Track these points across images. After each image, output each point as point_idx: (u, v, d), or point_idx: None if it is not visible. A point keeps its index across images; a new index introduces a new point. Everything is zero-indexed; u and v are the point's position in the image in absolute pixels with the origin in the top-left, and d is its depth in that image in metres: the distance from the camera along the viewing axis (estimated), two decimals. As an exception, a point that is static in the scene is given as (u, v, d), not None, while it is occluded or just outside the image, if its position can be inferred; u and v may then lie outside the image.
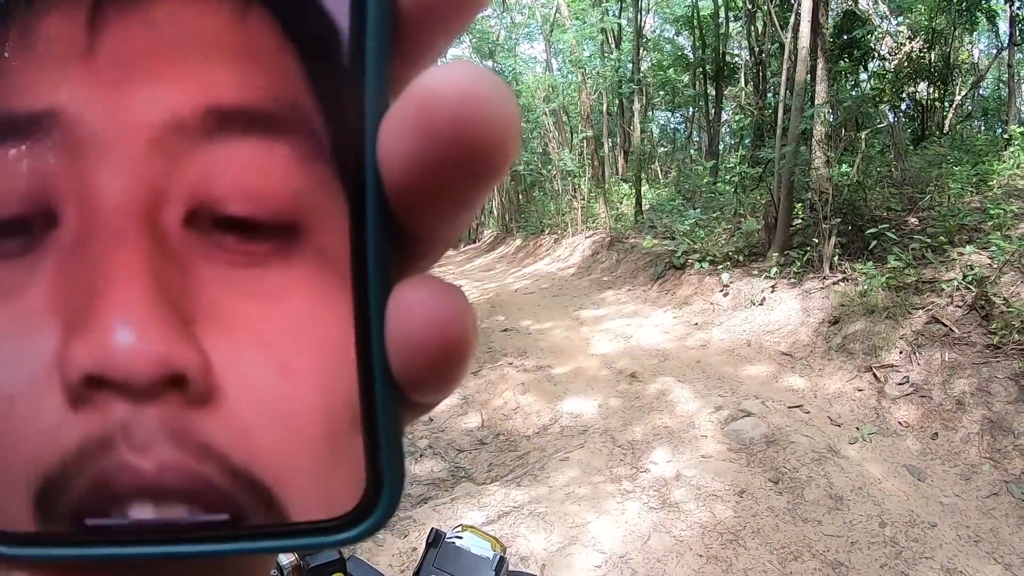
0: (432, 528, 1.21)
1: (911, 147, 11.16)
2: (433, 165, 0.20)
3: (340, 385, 0.22)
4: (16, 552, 0.22)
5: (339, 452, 0.22)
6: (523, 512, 4.54)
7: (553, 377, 7.02)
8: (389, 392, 0.22)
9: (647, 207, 15.33)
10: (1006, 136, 10.20)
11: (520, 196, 25.97)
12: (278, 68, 0.22)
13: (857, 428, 5.41)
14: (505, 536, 4.15)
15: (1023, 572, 3.95)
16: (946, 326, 6.04)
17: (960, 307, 6.20)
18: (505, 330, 9.07)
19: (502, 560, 1.18)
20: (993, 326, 5.78)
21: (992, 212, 7.44)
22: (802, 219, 8.70)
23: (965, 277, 6.36)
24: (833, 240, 7.85)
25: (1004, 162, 9.54)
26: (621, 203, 16.65)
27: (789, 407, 5.76)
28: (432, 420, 6.22)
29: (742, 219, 10.24)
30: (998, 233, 6.78)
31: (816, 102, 8.83)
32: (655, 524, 4.40)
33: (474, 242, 31.20)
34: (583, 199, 17.19)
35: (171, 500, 0.22)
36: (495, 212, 31.41)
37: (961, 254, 6.81)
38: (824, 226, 7.87)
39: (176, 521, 0.22)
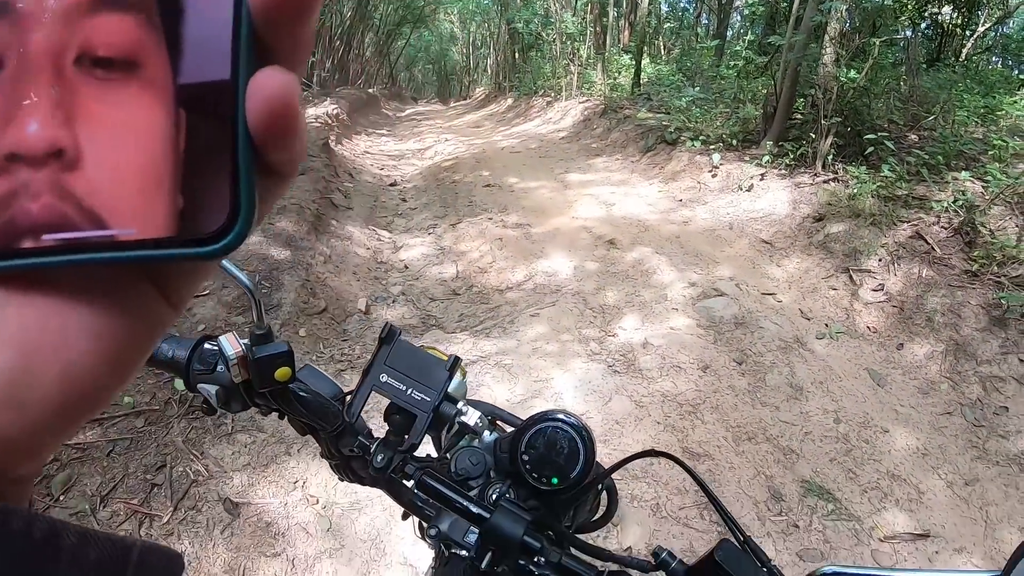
0: (386, 322, 1.12)
1: (924, 66, 10.92)
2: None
3: (194, 141, 0.29)
4: None
5: (192, 189, 0.29)
6: (489, 362, 4.50)
7: (532, 236, 6.89)
8: (247, 144, 0.28)
9: (645, 81, 14.98)
10: (1023, 76, 10.02)
11: (516, 55, 25.37)
12: None
13: (826, 325, 5.39)
14: (470, 384, 4.12)
15: (962, 491, 4.00)
16: (929, 244, 5.99)
17: (945, 229, 6.15)
18: (488, 186, 8.88)
19: (457, 360, 1.14)
20: (975, 253, 5.74)
21: (994, 143, 7.34)
22: (801, 114, 8.48)
23: (956, 201, 6.29)
24: (830, 139, 7.70)
25: (1016, 101, 9.42)
26: (619, 74, 16.28)
27: (762, 293, 5.72)
28: (407, 268, 6.12)
29: (741, 104, 10.01)
30: (996, 165, 6.70)
31: (835, -3, 8.51)
32: (617, 387, 4.37)
33: (465, 99, 30.56)
34: (581, 64, 16.76)
35: (56, 229, 0.30)
36: (489, 70, 30.69)
37: (956, 178, 6.73)
38: (823, 123, 7.69)
39: (61, 240, 0.29)
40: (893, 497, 3.86)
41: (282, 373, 1.03)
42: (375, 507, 3.33)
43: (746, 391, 4.46)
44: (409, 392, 1.08)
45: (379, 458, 1.09)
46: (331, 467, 1.25)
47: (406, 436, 1.10)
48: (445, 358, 1.15)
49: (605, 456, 3.74)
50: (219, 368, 1.11)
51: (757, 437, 4.11)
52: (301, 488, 3.36)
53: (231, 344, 1.04)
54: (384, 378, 1.09)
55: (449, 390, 1.14)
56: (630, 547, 3.30)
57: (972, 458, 4.29)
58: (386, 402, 1.12)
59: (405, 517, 1.26)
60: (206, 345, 1.16)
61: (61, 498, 3.98)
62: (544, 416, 1.10)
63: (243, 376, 1.05)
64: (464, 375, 1.23)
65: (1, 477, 0.31)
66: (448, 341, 4.73)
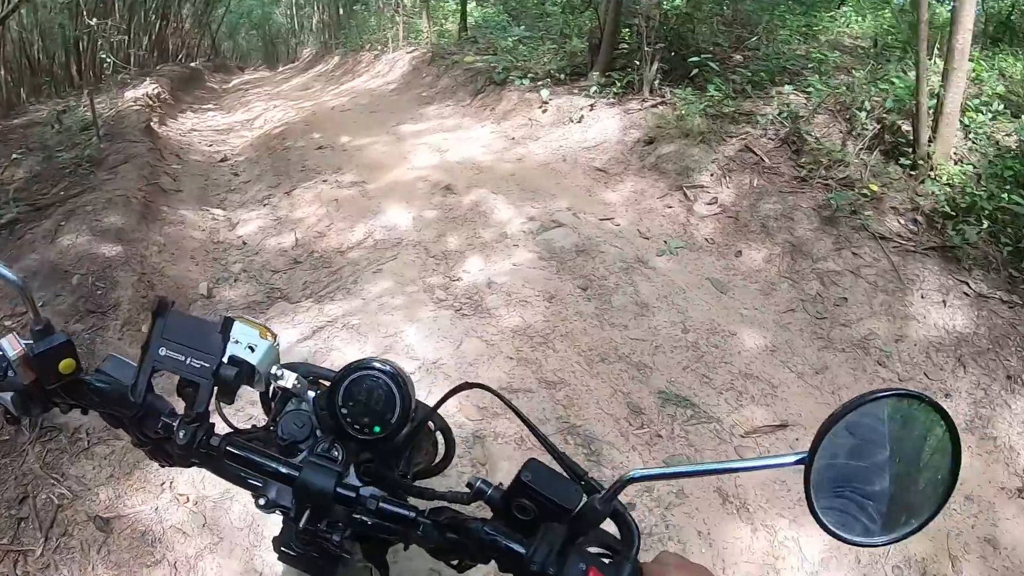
0: (156, 296, 1.07)
1: (745, -11, 11.18)
2: None
3: None
4: None
5: None
6: (337, 325, 4.35)
7: (368, 192, 6.68)
8: None
9: (472, 24, 14.84)
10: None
11: (340, 12, 24.79)
12: None
13: (665, 242, 5.42)
14: (320, 350, 4.02)
15: (813, 380, 4.12)
16: (758, 155, 6.11)
17: (773, 140, 6.30)
18: (320, 148, 8.57)
19: (228, 320, 1.11)
20: (802, 160, 5.92)
21: (815, 57, 7.63)
22: (627, 43, 8.53)
23: (781, 113, 6.48)
24: (655, 65, 7.77)
25: (835, 18, 9.77)
26: (446, 20, 16.10)
27: (600, 219, 5.70)
28: (246, 244, 5.85)
29: (567, 39, 10.05)
30: (817, 77, 6.94)
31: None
32: (467, 330, 4.27)
33: (293, 61, 29.70)
34: (406, 14, 16.48)
35: None
36: (315, 29, 29.94)
37: (780, 92, 6.94)
38: (648, 50, 7.74)
39: None
40: (748, 394, 3.94)
41: (66, 365, 1.01)
42: (245, 493, 3.12)
43: (594, 315, 4.42)
44: (188, 362, 1.06)
45: (181, 435, 1.04)
46: (148, 455, 1.17)
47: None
48: (257, 339, 1.13)
49: (464, 400, 3.65)
50: (9, 374, 1.04)
51: (610, 357, 4.09)
52: (169, 489, 3.16)
53: (11, 346, 1.01)
54: (163, 352, 1.06)
55: (255, 356, 1.12)
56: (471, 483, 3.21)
57: (819, 348, 4.40)
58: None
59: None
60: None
61: None
62: (356, 366, 1.09)
63: (30, 376, 1.01)
64: (274, 339, 1.18)
65: None
66: (294, 311, 4.53)
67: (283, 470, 1.01)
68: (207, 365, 1.06)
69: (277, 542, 1.11)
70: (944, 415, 0.83)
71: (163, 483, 3.14)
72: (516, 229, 5.42)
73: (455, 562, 1.03)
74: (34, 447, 3.22)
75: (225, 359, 1.09)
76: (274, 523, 2.94)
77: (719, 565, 3.03)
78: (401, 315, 4.45)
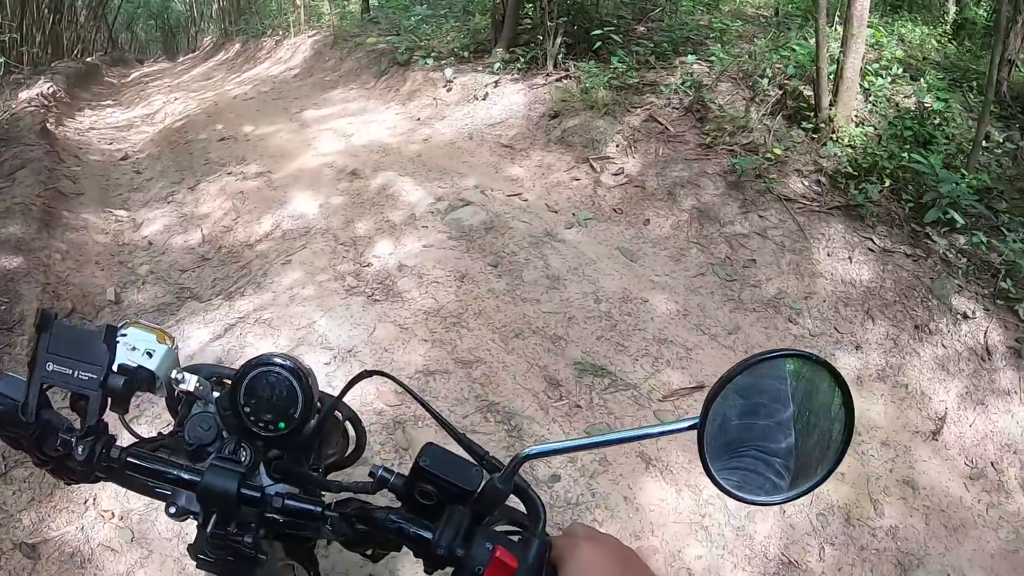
0: (39, 309, 1.02)
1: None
2: None
3: None
4: None
5: None
6: (249, 321, 4.23)
7: (273, 182, 6.53)
8: None
9: (375, 5, 14.65)
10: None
11: (240, -2, 24.26)
12: None
13: (573, 214, 5.43)
14: (234, 348, 3.90)
15: (727, 341, 4.18)
16: (662, 125, 6.16)
17: (677, 109, 6.36)
18: (223, 139, 8.35)
19: (111, 329, 1.06)
20: (707, 128, 5.99)
21: (717, 27, 7.73)
22: (530, 19, 8.52)
23: (685, 82, 6.54)
24: (559, 40, 7.77)
25: (738, -12, 9.94)
26: (348, 2, 15.87)
27: (508, 195, 5.68)
28: (152, 244, 5.64)
29: (470, 17, 10.00)
30: (719, 46, 7.03)
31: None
32: (380, 315, 4.21)
33: (193, 51, 28.90)
34: (306, -3, 16.23)
35: None
36: (215, 17, 29.21)
37: (684, 62, 6.99)
38: (551, 24, 7.74)
39: None
40: (664, 359, 3.98)
41: None
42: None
43: (505, 291, 4.41)
44: (76, 375, 1.01)
45: (80, 450, 1.00)
46: (51, 473, 1.12)
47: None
48: (155, 345, 1.10)
49: (381, 387, 3.60)
50: None
51: (524, 332, 4.08)
52: (93, 506, 3.04)
53: None
54: (50, 367, 1.01)
55: (154, 361, 1.09)
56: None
57: (730, 310, 4.47)
58: None
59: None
60: None
61: None
62: (254, 363, 1.05)
63: None
64: (172, 342, 1.14)
65: None
66: (204, 310, 4.39)
67: (185, 476, 0.99)
68: (94, 376, 1.01)
69: (193, 549, 1.08)
70: (831, 370, 0.85)
71: (86, 500, 3.05)
72: (424, 210, 5.35)
73: (368, 552, 1.03)
74: (-52, 477, 3.10)
75: (115, 368, 1.04)
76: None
77: (647, 528, 3.07)
78: (313, 305, 4.37)
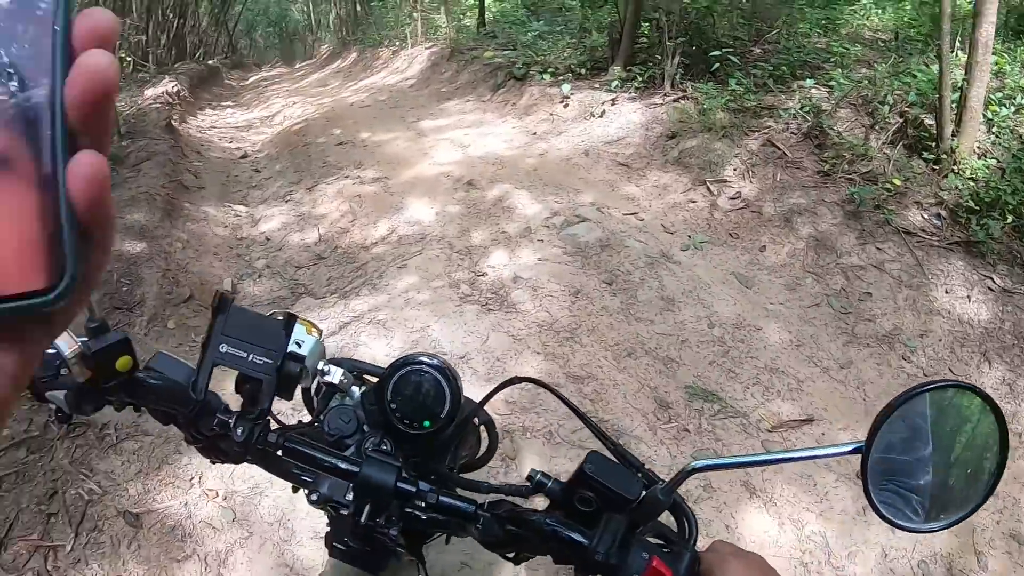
0: (217, 292, 1.07)
1: (763, -18, 11.15)
2: (87, 102, 0.34)
3: (28, 215, 0.33)
4: None
5: (30, 254, 0.33)
6: (363, 320, 4.37)
7: (390, 188, 6.71)
8: (71, 215, 0.33)
9: (490, 20, 14.82)
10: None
11: (358, 8, 24.79)
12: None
13: (689, 236, 5.43)
14: (347, 345, 4.03)
15: (839, 375, 4.12)
16: (780, 149, 6.11)
17: (795, 134, 6.29)
18: (340, 143, 8.61)
19: (291, 317, 1.11)
20: (825, 155, 5.91)
21: (836, 51, 7.59)
22: (647, 38, 8.54)
23: (803, 107, 6.45)
24: (676, 59, 7.77)
25: (855, 11, 9.72)
26: (464, 15, 16.07)
27: (624, 214, 5.70)
28: (269, 240, 5.89)
29: (587, 34, 10.02)
30: (839, 71, 6.92)
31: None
32: (493, 324, 4.29)
33: (310, 58, 29.73)
34: (424, 10, 16.47)
35: None
36: (332, 26, 29.96)
37: (801, 86, 6.90)
38: (669, 44, 7.75)
39: None
40: (774, 389, 3.94)
41: (123, 363, 1.00)
42: (275, 488, 3.19)
43: (619, 310, 4.44)
44: (250, 358, 1.05)
45: (239, 431, 1.04)
46: (200, 451, 1.18)
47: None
48: (304, 325, 1.15)
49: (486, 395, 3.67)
50: (62, 371, 1.02)
51: (636, 352, 4.10)
52: (198, 484, 3.19)
53: (67, 343, 0.98)
54: (224, 349, 1.05)
55: (303, 351, 1.12)
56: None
57: (843, 343, 4.41)
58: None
59: (295, 490, 1.23)
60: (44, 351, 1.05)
61: None
62: (404, 361, 1.09)
63: (86, 374, 0.99)
64: (320, 335, 1.19)
65: None
66: (319, 307, 4.56)
67: (343, 465, 1.02)
68: (270, 362, 1.05)
69: (329, 538, 1.13)
70: (993, 406, 0.85)
71: (192, 478, 3.18)
72: (540, 224, 5.43)
73: (511, 554, 1.04)
74: (63, 443, 3.26)
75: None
76: (304, 518, 2.99)
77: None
78: (427, 310, 4.48)
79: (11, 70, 0.35)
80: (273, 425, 1.11)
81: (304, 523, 3.09)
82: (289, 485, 1.12)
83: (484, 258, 5.09)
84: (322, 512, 1.20)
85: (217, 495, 3.12)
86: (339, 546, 1.12)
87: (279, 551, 2.98)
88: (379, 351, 4.03)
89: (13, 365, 0.37)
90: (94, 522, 2.97)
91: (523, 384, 1.18)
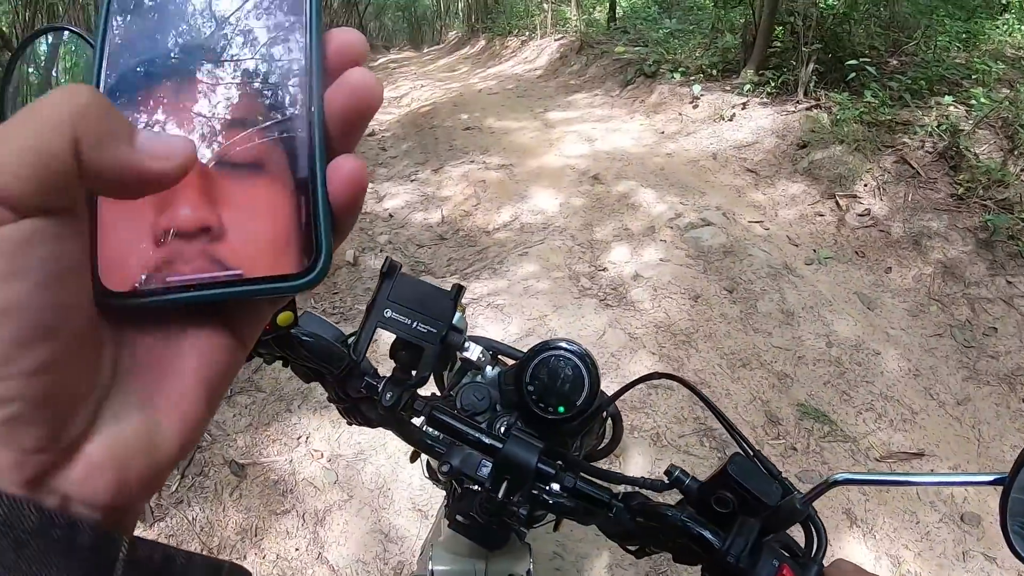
0: (387, 256, 1.07)
1: (903, -9, 10.80)
2: (351, 117, 0.40)
3: (291, 211, 0.39)
4: (136, 301, 0.38)
5: (292, 244, 0.39)
6: (481, 304, 4.49)
7: (515, 175, 6.81)
8: (327, 209, 0.39)
9: (621, 15, 14.76)
10: (1004, 1, 9.91)
11: (488, -4, 24.94)
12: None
13: (814, 250, 5.36)
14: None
15: (955, 411, 4.02)
16: (914, 168, 5.96)
17: (930, 153, 6.12)
18: (468, 128, 8.77)
19: (460, 288, 1.09)
20: (960, 177, 5.73)
21: (978, 67, 7.31)
22: (781, 42, 8.38)
23: (940, 125, 6.26)
24: (811, 66, 7.61)
25: (997, 26, 9.36)
26: (595, 9, 16.04)
27: (749, 221, 5.68)
28: (392, 216, 6.05)
29: (720, 34, 9.89)
30: (980, 89, 6.67)
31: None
32: (611, 320, 4.36)
33: (438, 43, 30.05)
34: (553, 1, 16.50)
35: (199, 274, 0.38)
36: (461, 13, 30.18)
37: (939, 103, 6.68)
38: (804, 50, 7.60)
39: (202, 279, 0.38)
40: (887, 417, 3.88)
41: (284, 318, 1.03)
42: (379, 456, 3.33)
43: (738, 318, 4.45)
44: (415, 325, 1.04)
45: (388, 396, 1.06)
46: (340, 411, 1.23)
47: (413, 372, 1.07)
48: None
49: (604, 388, 3.74)
50: None
51: (751, 363, 4.11)
52: (305, 443, 3.35)
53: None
54: (388, 313, 1.04)
55: (453, 322, 1.11)
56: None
57: (963, 378, 4.31)
58: (385, 342, 1.09)
59: (414, 459, 1.29)
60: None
61: None
62: (547, 345, 1.11)
63: None
64: (463, 311, 1.22)
65: (126, 512, 0.37)
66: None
67: (486, 440, 1.03)
68: (434, 330, 1.03)
69: (452, 510, 1.16)
70: None
71: (300, 437, 3.35)
72: (664, 224, 5.46)
73: (633, 547, 1.04)
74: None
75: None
76: (405, 489, 3.12)
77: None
78: (545, 300, 4.57)
79: (265, 77, 0.41)
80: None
81: (404, 493, 3.22)
82: (394, 455, 1.18)
83: (606, 253, 5.15)
84: (432, 485, 1.27)
85: (322, 456, 3.27)
86: (462, 519, 1.15)
87: (376, 517, 3.11)
88: (496, 334, 4.12)
89: (235, 347, 0.42)
90: (200, 467, 3.16)
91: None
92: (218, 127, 0.40)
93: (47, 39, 1.02)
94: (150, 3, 0.42)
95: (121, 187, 0.34)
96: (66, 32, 0.98)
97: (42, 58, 1.03)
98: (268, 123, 0.41)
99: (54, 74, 1.03)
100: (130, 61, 0.41)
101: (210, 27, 0.42)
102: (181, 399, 0.39)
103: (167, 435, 0.38)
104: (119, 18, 0.42)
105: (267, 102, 0.41)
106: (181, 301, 0.39)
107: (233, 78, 0.42)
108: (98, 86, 0.41)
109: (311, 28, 0.42)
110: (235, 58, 0.42)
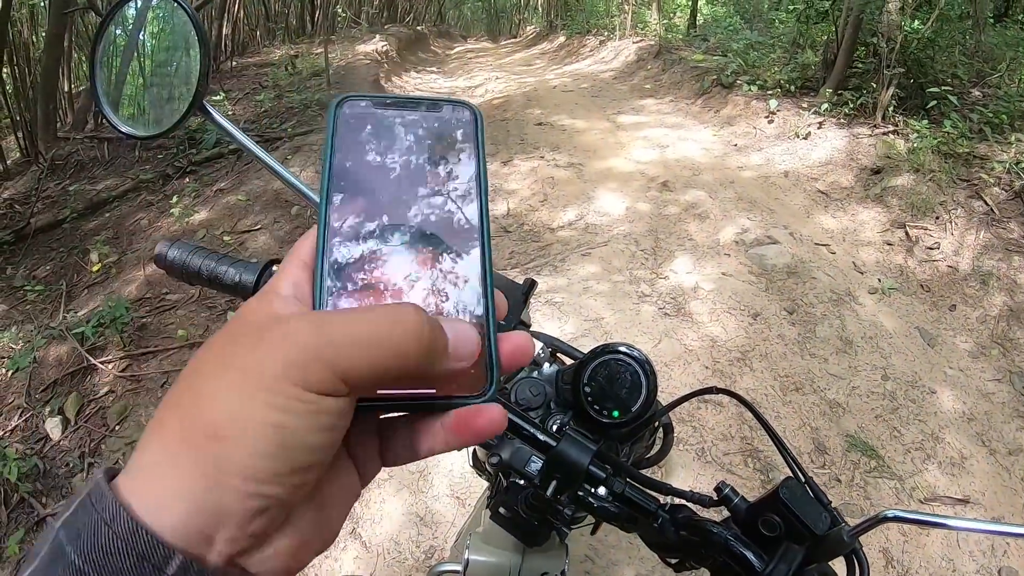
0: None
1: (991, 21, 10.56)
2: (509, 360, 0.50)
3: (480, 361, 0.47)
4: (370, 404, 0.45)
5: (480, 373, 0.48)
6: (540, 299, 4.53)
7: (584, 175, 6.83)
8: (498, 359, 0.48)
9: (701, 23, 14.67)
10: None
11: (568, -7, 24.92)
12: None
13: (879, 280, 5.30)
14: None
15: (1005, 460, 3.94)
16: (988, 205, 5.86)
17: (1007, 191, 6.00)
18: (540, 124, 8.81)
19: (533, 283, 1.14)
20: (1034, 218, 5.64)
21: (1063, 104, 7.15)
22: (862, 63, 8.23)
23: (1019, 163, 6.13)
24: (892, 90, 7.48)
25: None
26: (675, 14, 15.95)
27: (816, 244, 5.63)
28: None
29: (800, 50, 9.77)
30: (1064, 130, 6.53)
31: (904, -57, 8.17)
32: (667, 330, 4.37)
33: (515, 37, 30.14)
34: (635, 3, 16.43)
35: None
36: (540, 8, 30.21)
37: (1020, 140, 6.54)
38: (885, 73, 7.48)
39: (412, 394, 0.46)
40: (936, 459, 3.83)
41: None
42: None
43: (795, 341, 4.43)
44: None
45: None
46: None
47: None
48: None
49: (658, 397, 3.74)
50: None
51: (804, 388, 4.09)
52: None
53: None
54: None
55: (522, 317, 1.14)
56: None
57: (1017, 428, 4.23)
58: None
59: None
60: (273, 268, 1.17)
61: (117, 428, 4.08)
62: (607, 348, 1.09)
63: None
64: (527, 305, 1.22)
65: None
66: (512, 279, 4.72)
67: (541, 437, 1.02)
68: (504, 323, 1.07)
69: (495, 502, 1.16)
70: None
71: None
72: (729, 238, 5.44)
73: (674, 561, 1.04)
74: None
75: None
76: (446, 475, 3.16)
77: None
78: (603, 302, 4.59)
79: (452, 252, 0.50)
80: None
81: (444, 480, 3.28)
82: None
83: (668, 261, 5.15)
84: (474, 474, 1.26)
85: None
86: (504, 512, 1.15)
87: (414, 499, 3.17)
88: (550, 331, 4.14)
89: (359, 483, 0.51)
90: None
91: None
92: (418, 298, 0.48)
93: (136, 3, 1.07)
94: (363, 175, 0.51)
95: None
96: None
97: (130, 22, 1.08)
98: (453, 291, 0.49)
99: (141, 37, 1.09)
100: (347, 228, 0.49)
101: (410, 212, 0.50)
102: (335, 518, 0.48)
103: (324, 538, 0.47)
104: (339, 179, 0.50)
105: (456, 283, 0.50)
106: (400, 407, 0.48)
107: (430, 254, 0.50)
108: (321, 249, 0.48)
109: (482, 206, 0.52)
110: (433, 235, 0.50)
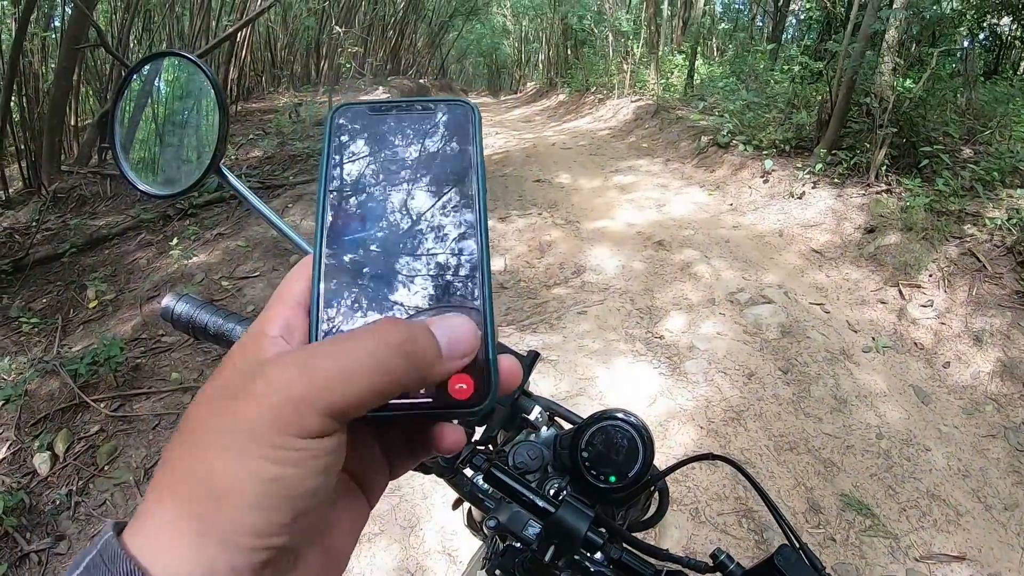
0: None
1: (981, 79, 10.73)
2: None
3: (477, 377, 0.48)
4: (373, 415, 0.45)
5: (479, 384, 0.48)
6: (536, 357, 4.56)
7: (580, 233, 6.94)
8: (497, 375, 0.48)
9: (698, 82, 14.91)
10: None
11: (569, 51, 25.34)
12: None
13: (873, 338, 5.35)
14: None
15: (1001, 516, 3.95)
16: (981, 262, 5.93)
17: (998, 247, 6.07)
18: (538, 180, 8.95)
19: (536, 355, 1.14)
20: (1026, 274, 5.69)
21: (1053, 160, 7.24)
22: (856, 123, 8.38)
23: (1010, 219, 6.21)
24: (884, 150, 7.61)
25: (1074, 121, 9.25)
26: (672, 74, 16.20)
27: (810, 303, 5.70)
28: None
29: (795, 110, 9.92)
30: (1054, 185, 6.62)
31: (894, 5, 8.37)
32: (662, 389, 4.42)
33: (515, 93, 30.59)
34: (634, 63, 16.71)
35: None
36: (541, 65, 30.70)
37: (1011, 195, 6.63)
38: (878, 133, 7.61)
39: (417, 403, 0.47)
40: (931, 517, 3.84)
41: None
42: (416, 495, 3.42)
43: (790, 401, 4.47)
44: None
45: None
46: None
47: (477, 428, 1.11)
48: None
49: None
50: None
51: (799, 448, 4.13)
52: None
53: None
54: None
55: (524, 387, 1.15)
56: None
57: (1013, 483, 4.25)
58: None
59: (456, 506, 1.31)
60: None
61: (106, 468, 4.11)
62: (605, 414, 1.10)
63: None
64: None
65: None
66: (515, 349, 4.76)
67: (540, 503, 1.02)
68: (507, 395, 1.06)
69: (491, 564, 1.14)
70: None
71: None
72: (723, 297, 5.52)
73: None
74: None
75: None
76: (436, 532, 3.18)
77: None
78: (598, 360, 4.64)
79: (451, 270, 0.50)
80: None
81: (435, 536, 3.30)
82: (430, 496, 1.15)
83: (663, 320, 5.22)
84: (469, 533, 1.27)
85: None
86: (501, 574, 1.14)
87: (405, 555, 3.18)
88: (546, 390, 4.22)
89: (367, 507, 0.52)
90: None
91: (682, 455, 1.18)
92: (416, 303, 0.49)
93: (159, 63, 1.13)
94: (357, 198, 0.51)
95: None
96: (175, 58, 1.09)
97: (151, 82, 1.14)
98: (453, 292, 0.49)
99: (156, 93, 1.15)
100: (343, 250, 0.50)
101: (408, 221, 0.51)
102: (343, 548, 0.49)
103: (336, 571, 0.48)
104: (333, 199, 0.51)
105: (455, 292, 0.49)
106: (399, 416, 0.47)
107: (429, 256, 0.50)
108: (317, 276, 0.49)
109: (481, 233, 0.51)
110: (430, 252, 0.50)
